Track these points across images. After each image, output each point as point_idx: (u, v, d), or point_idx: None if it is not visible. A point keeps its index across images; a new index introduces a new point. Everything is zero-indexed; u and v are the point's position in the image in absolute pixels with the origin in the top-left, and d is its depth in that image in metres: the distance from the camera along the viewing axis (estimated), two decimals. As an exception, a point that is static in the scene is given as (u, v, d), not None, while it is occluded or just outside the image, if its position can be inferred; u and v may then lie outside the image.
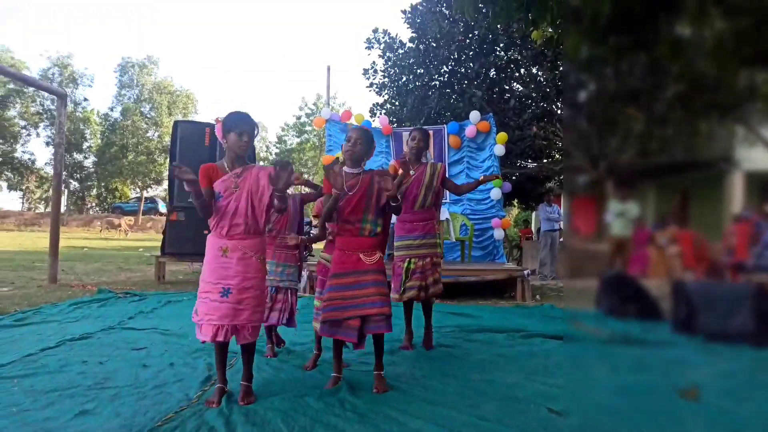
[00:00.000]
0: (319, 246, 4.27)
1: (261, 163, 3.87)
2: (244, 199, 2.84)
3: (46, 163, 38.09)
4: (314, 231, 3.74)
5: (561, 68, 11.61)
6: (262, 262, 2.94)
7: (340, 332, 3.09)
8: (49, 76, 33.88)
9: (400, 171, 4.08)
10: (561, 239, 11.16)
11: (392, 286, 4.13)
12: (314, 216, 3.73)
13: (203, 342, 2.91)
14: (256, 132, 2.98)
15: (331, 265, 3.27)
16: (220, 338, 2.80)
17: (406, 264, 4.10)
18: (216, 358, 2.98)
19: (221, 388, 2.91)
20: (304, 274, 4.06)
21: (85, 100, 37.45)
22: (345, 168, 3.23)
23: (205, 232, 3.08)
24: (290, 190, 3.95)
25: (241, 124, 2.89)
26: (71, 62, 35.55)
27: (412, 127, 10.71)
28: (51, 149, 35.15)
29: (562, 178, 14.36)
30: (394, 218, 4.28)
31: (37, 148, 79.51)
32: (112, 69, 50.67)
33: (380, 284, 3.16)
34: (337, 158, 4.21)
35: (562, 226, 11.64)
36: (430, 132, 9.55)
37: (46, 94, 33.80)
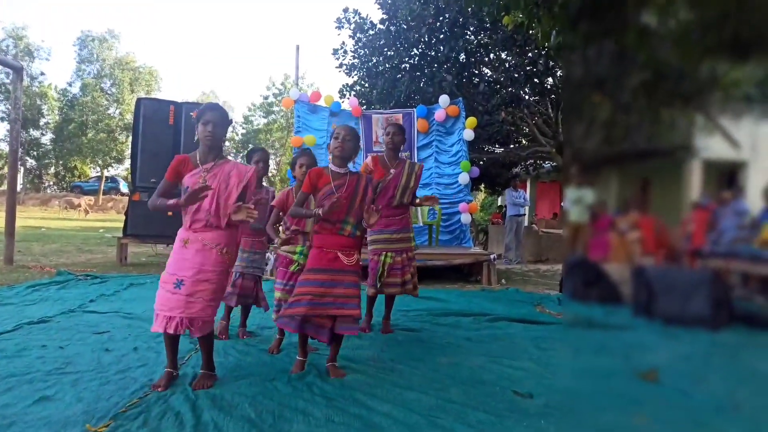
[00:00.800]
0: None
1: (226, 144, 3.78)
2: (210, 196, 2.76)
3: (0, 140, 36.66)
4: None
5: (530, 54, 11.68)
6: (224, 255, 2.82)
7: (310, 330, 3.02)
8: (2, 47, 32.40)
9: (373, 168, 4.10)
10: (526, 224, 11.36)
11: (368, 279, 4.12)
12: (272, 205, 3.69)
13: (153, 331, 2.82)
14: (223, 121, 2.86)
15: (306, 261, 3.19)
16: (170, 330, 2.71)
17: (383, 258, 4.05)
18: (166, 346, 2.89)
19: (169, 373, 2.86)
20: (271, 256, 4.03)
21: (42, 74, 36.01)
22: (331, 166, 3.14)
23: (170, 213, 3.02)
24: (265, 183, 3.91)
25: (206, 113, 2.81)
26: (26, 34, 34.06)
27: (382, 110, 10.69)
28: (6, 125, 33.80)
29: (528, 163, 14.57)
30: None
31: (-10, 124, 76.19)
32: (71, 43, 48.91)
33: (354, 286, 3.10)
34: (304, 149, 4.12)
35: (527, 212, 11.84)
36: (397, 116, 9.53)
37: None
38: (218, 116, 2.83)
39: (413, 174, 4.14)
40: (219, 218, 2.80)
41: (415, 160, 9.21)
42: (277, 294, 3.56)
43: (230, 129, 3.07)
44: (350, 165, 3.21)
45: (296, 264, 3.50)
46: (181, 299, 2.71)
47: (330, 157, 3.19)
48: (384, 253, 4.06)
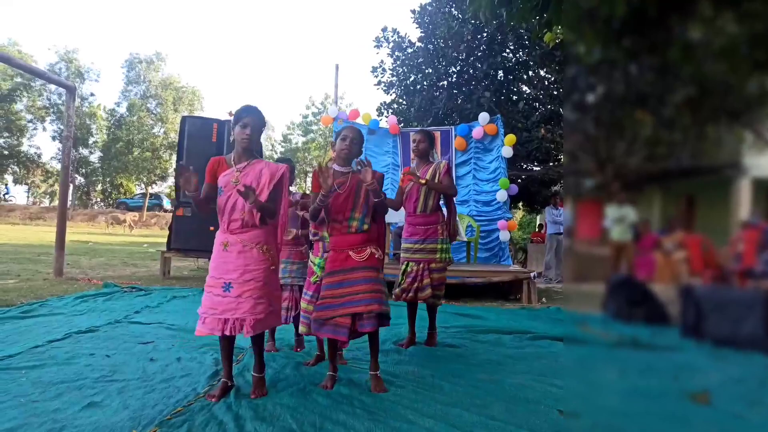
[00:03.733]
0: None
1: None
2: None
3: (51, 158, 38.35)
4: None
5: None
6: (265, 252, 2.88)
7: (329, 330, 3.05)
8: (56, 70, 34.01)
9: (407, 181, 4.13)
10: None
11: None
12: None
13: (197, 334, 2.86)
14: (260, 124, 2.93)
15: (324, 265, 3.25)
16: (227, 332, 2.78)
17: (403, 266, 4.19)
18: (222, 353, 2.98)
19: (225, 383, 2.92)
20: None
21: (92, 95, 37.66)
22: (335, 166, 3.23)
23: (211, 228, 3.09)
24: (293, 188, 3.95)
25: (244, 116, 2.88)
26: (77, 57, 35.69)
27: (420, 128, 10.75)
28: (57, 143, 35.32)
29: (568, 180, 14.33)
30: (397, 217, 4.32)
31: (43, 143, 79.77)
32: (119, 65, 51.02)
33: (371, 281, 3.09)
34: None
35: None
36: (435, 133, 9.56)
37: (53, 88, 33.91)
38: (256, 119, 2.90)
39: (437, 173, 4.14)
40: (254, 216, 2.86)
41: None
42: (303, 304, 3.56)
43: (269, 147, 3.12)
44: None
45: (315, 276, 3.48)
46: (231, 301, 2.79)
47: (334, 156, 3.27)
48: (406, 262, 4.18)
